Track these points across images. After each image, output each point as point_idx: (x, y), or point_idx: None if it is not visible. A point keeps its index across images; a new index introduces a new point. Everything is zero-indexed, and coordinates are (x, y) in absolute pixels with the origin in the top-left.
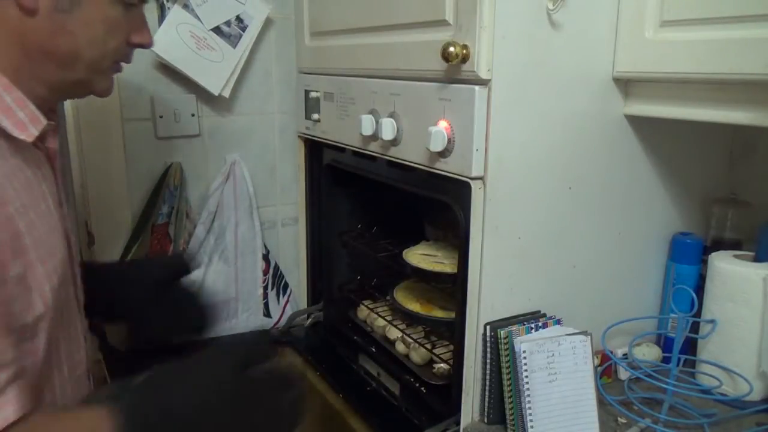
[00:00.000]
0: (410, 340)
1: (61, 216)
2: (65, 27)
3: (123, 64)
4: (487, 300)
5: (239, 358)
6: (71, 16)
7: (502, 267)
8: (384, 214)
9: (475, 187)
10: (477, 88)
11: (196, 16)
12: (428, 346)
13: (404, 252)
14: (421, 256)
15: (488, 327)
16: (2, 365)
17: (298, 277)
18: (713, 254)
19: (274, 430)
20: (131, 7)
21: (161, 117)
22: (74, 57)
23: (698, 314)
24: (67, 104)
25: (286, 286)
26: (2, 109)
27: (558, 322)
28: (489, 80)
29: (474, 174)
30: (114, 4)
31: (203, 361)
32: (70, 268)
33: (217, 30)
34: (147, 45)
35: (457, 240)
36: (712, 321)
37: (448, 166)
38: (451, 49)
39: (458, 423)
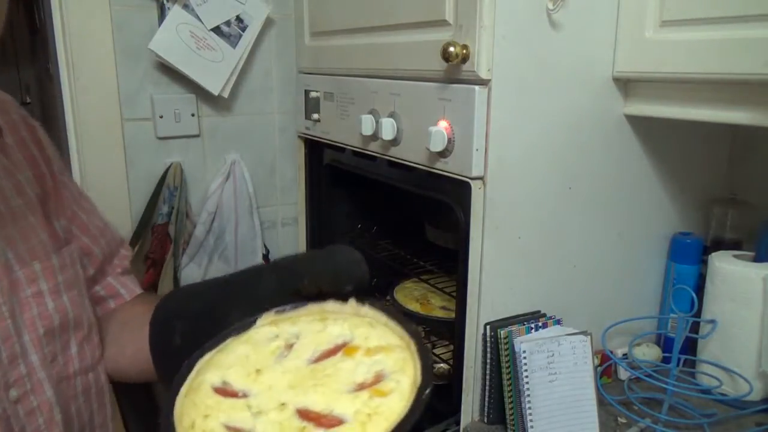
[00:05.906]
0: None
1: None
2: None
3: None
4: (487, 300)
5: None
6: None
7: (502, 267)
8: (384, 214)
9: (475, 187)
10: (477, 88)
11: (196, 16)
12: (428, 346)
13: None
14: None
15: (488, 327)
16: None
17: None
18: (713, 254)
19: None
20: None
21: (161, 117)
22: None
23: (698, 314)
24: (67, 104)
25: None
26: None
27: (558, 322)
28: (489, 80)
29: (474, 174)
30: None
31: None
32: None
33: (217, 30)
34: None
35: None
36: (712, 321)
37: (448, 166)
38: (451, 49)
39: (458, 423)
